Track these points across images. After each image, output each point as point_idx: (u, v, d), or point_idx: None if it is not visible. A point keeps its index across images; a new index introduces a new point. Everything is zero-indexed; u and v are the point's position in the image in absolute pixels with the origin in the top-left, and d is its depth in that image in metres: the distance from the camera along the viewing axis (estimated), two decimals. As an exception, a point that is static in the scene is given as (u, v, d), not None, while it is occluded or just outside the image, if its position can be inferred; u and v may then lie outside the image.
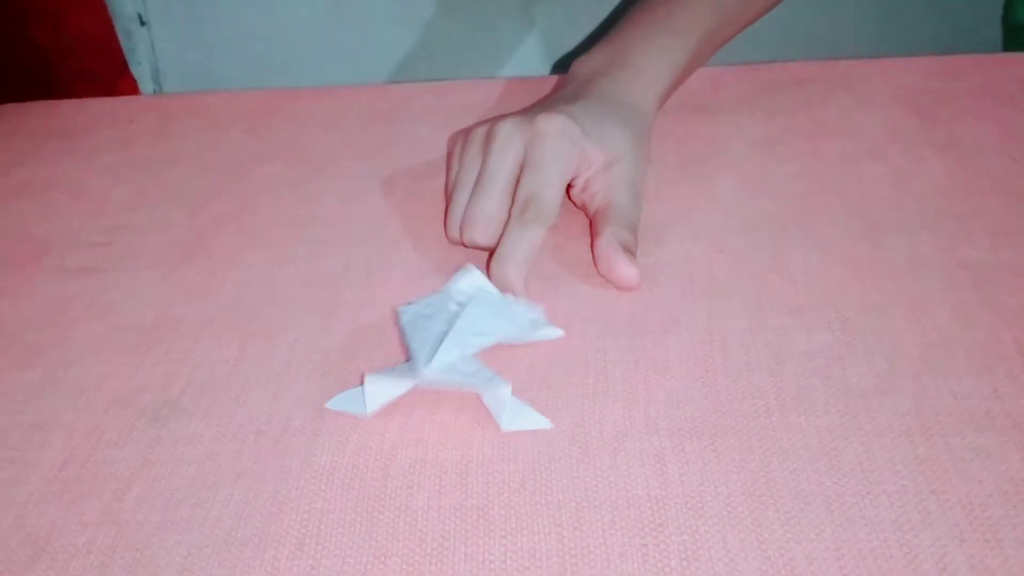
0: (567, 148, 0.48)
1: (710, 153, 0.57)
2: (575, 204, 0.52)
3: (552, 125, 0.48)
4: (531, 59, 1.31)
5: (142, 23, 1.15)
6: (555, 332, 0.43)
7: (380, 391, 0.39)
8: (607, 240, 0.46)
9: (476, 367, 0.39)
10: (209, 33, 1.20)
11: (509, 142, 0.48)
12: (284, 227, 0.54)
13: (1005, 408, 0.38)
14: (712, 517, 0.34)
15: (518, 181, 0.48)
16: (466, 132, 0.51)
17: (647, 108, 0.54)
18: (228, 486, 0.37)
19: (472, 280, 0.44)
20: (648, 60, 0.55)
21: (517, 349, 0.42)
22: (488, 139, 0.49)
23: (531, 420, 0.38)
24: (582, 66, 0.57)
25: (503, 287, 0.44)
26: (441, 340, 0.39)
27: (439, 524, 0.35)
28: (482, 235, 0.47)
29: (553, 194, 0.47)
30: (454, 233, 0.49)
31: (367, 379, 0.39)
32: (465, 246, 0.48)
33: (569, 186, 0.49)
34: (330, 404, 0.40)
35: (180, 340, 0.45)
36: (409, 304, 0.44)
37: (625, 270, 0.45)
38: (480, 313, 0.41)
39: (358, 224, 0.53)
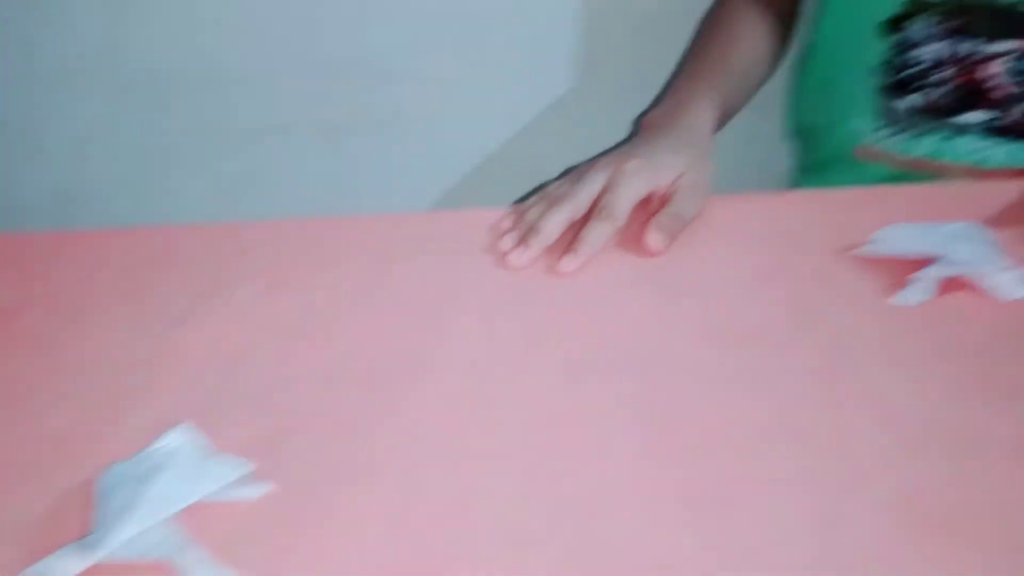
0: (640, 176, 0.66)
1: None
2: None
3: (630, 164, 0.67)
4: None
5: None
6: (261, 489, 0.45)
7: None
8: (652, 222, 0.64)
9: (164, 534, 0.41)
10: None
11: (597, 176, 0.66)
12: (31, 377, 0.55)
13: (655, 557, 0.42)
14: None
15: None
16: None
17: (705, 130, 0.75)
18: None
19: (178, 437, 0.46)
20: (698, 111, 0.76)
21: (223, 507, 0.45)
22: (579, 176, 0.68)
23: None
24: (650, 119, 0.75)
25: (567, 267, 0.62)
26: (127, 509, 0.41)
27: None
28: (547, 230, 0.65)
29: (622, 204, 0.65)
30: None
31: (29, 571, 0.40)
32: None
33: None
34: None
35: None
36: (114, 464, 0.45)
37: (650, 240, 0.64)
38: (178, 475, 0.43)
39: (101, 374, 0.55)
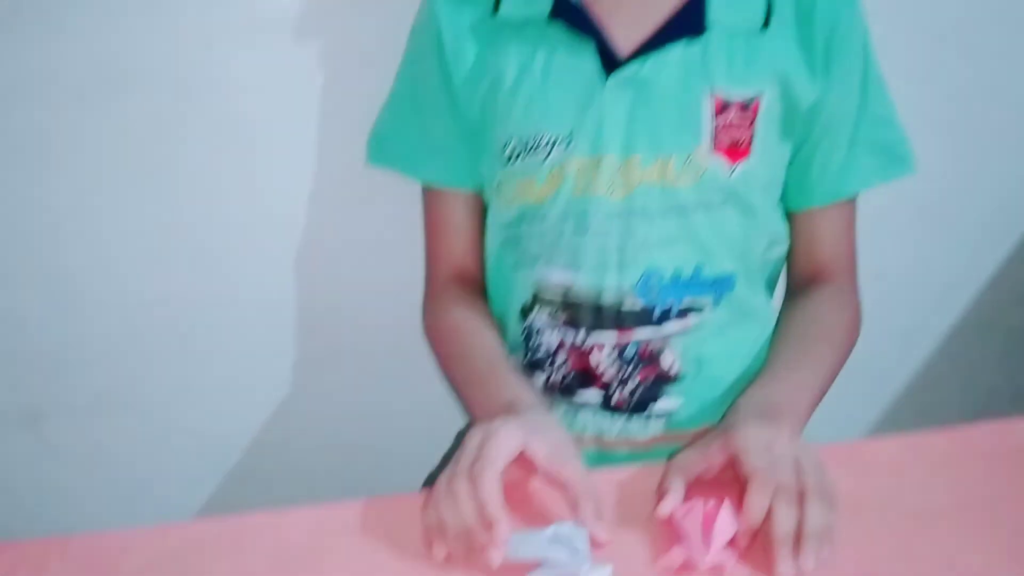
0: (515, 435, 0.74)
1: None
2: (554, 479, 0.75)
3: (502, 423, 0.76)
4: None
5: None
6: None
7: None
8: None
9: None
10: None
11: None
12: None
13: None
14: None
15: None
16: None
17: (538, 402, 0.84)
18: None
19: None
20: (521, 391, 0.85)
21: None
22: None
23: None
24: (485, 415, 0.81)
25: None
26: None
27: None
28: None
29: (486, 464, 0.72)
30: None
31: None
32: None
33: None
34: None
35: None
36: None
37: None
38: None
39: None
